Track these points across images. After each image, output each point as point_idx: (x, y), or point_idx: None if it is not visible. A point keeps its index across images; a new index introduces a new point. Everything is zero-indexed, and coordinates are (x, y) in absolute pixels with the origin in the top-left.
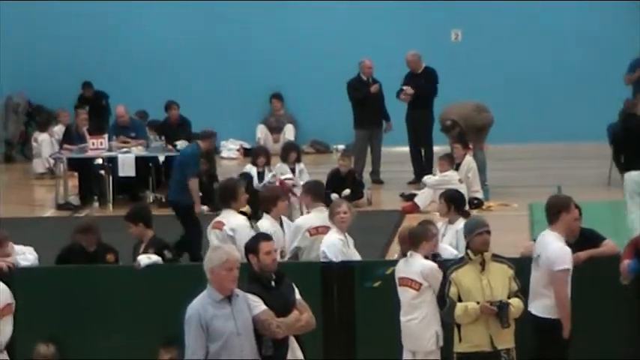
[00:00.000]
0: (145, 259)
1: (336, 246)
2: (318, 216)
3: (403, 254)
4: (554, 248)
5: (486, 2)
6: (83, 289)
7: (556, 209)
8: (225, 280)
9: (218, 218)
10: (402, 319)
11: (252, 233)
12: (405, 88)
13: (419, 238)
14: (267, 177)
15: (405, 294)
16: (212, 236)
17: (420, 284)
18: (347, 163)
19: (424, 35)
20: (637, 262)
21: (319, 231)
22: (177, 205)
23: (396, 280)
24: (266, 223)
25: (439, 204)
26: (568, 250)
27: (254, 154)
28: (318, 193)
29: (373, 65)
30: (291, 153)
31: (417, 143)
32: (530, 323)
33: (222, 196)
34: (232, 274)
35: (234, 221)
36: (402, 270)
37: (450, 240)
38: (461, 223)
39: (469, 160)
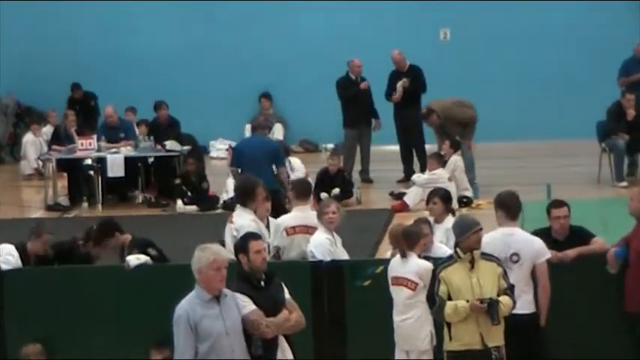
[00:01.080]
0: (134, 259)
1: (323, 245)
2: (297, 215)
3: (401, 254)
4: (534, 241)
5: (474, 1)
6: (72, 290)
7: (519, 204)
8: (213, 280)
9: (234, 213)
10: (396, 318)
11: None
12: (400, 83)
13: (414, 238)
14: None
15: (399, 293)
16: (227, 232)
17: (417, 284)
18: (336, 162)
19: (413, 34)
20: (623, 249)
21: (296, 230)
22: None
23: (389, 279)
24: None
25: (432, 204)
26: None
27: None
28: (302, 192)
29: (362, 64)
30: None
31: (406, 141)
32: (510, 323)
33: (239, 195)
34: (220, 273)
35: (240, 221)
36: (396, 269)
37: (440, 238)
38: (450, 221)
39: (456, 159)
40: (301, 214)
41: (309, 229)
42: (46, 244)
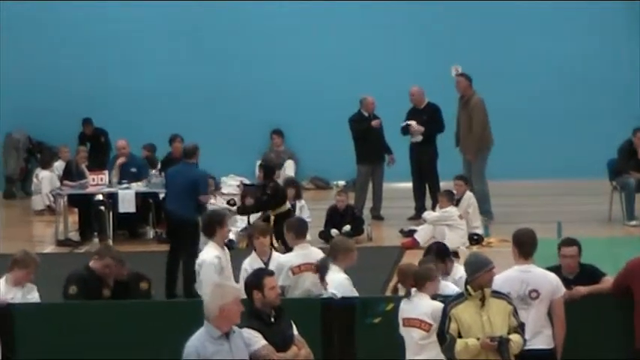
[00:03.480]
0: None
1: (345, 286)
2: (300, 253)
3: (405, 294)
4: (551, 277)
5: (487, 38)
6: (80, 325)
7: (536, 242)
8: (235, 315)
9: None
10: (409, 359)
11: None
12: (410, 123)
13: (423, 279)
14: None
15: (412, 334)
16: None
17: (430, 325)
18: (343, 198)
19: (424, 70)
20: None
21: (302, 269)
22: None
23: (400, 320)
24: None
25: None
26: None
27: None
28: (300, 231)
29: (375, 102)
30: (289, 189)
31: (420, 178)
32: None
33: (204, 227)
34: (240, 309)
35: (202, 256)
36: (407, 310)
37: (454, 290)
38: (459, 269)
39: (469, 196)
40: (303, 251)
41: (313, 267)
42: (106, 268)
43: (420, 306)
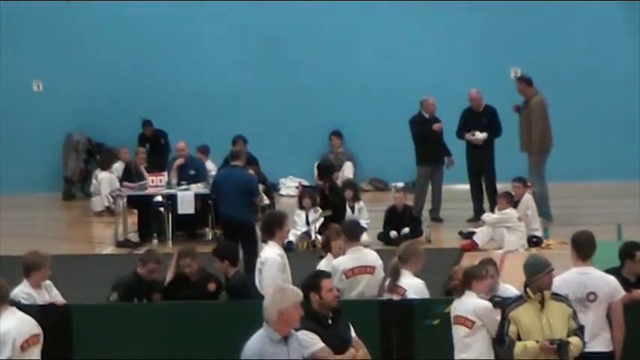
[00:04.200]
0: None
1: (423, 290)
2: (352, 257)
3: (458, 293)
4: (609, 279)
5: (545, 39)
6: (142, 325)
7: (594, 244)
8: (294, 319)
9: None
10: (456, 357)
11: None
12: (476, 134)
13: (469, 277)
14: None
15: (457, 331)
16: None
17: (473, 322)
18: (401, 195)
19: (483, 72)
20: None
21: (355, 272)
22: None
23: (451, 319)
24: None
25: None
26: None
27: (299, 196)
28: (353, 233)
29: (435, 103)
30: (347, 190)
31: (478, 180)
32: None
33: (264, 228)
34: (300, 312)
35: (264, 254)
36: (456, 308)
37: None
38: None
39: (528, 198)
40: (356, 254)
41: (367, 269)
42: (152, 273)
43: (466, 304)
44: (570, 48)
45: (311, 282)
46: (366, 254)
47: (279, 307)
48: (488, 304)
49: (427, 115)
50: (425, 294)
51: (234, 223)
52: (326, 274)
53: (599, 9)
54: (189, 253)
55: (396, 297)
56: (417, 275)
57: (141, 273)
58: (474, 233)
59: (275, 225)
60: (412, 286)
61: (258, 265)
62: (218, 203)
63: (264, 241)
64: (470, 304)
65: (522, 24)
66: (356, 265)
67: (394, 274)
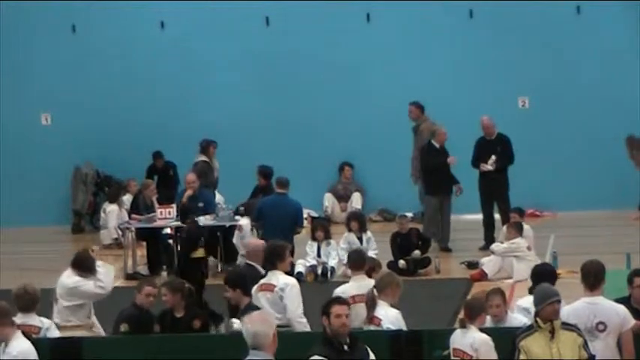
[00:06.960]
0: (238, 323)
1: (399, 321)
2: (355, 285)
3: (460, 325)
4: (619, 309)
5: (553, 69)
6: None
7: (603, 274)
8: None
9: (264, 280)
10: None
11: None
12: (490, 164)
13: (475, 311)
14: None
15: None
16: (263, 300)
17: (470, 356)
18: (404, 221)
19: (491, 102)
20: None
21: (356, 300)
22: None
23: (451, 351)
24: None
25: (495, 307)
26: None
27: (312, 228)
28: (358, 262)
29: (447, 133)
30: (352, 222)
31: (491, 208)
32: None
33: (268, 257)
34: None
35: (282, 280)
36: (455, 341)
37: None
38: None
39: (527, 228)
40: (359, 283)
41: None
42: (149, 297)
43: (465, 337)
44: (578, 77)
45: (324, 307)
46: (369, 283)
47: (273, 329)
48: (485, 337)
49: (437, 145)
50: (401, 324)
51: None
52: (340, 300)
53: (609, 35)
54: (167, 283)
55: (372, 327)
56: (394, 306)
57: (140, 303)
58: (477, 263)
59: (276, 257)
60: (387, 316)
61: (276, 291)
62: (260, 228)
63: (265, 269)
64: (469, 337)
65: (530, 53)
66: (357, 293)
67: (370, 304)
